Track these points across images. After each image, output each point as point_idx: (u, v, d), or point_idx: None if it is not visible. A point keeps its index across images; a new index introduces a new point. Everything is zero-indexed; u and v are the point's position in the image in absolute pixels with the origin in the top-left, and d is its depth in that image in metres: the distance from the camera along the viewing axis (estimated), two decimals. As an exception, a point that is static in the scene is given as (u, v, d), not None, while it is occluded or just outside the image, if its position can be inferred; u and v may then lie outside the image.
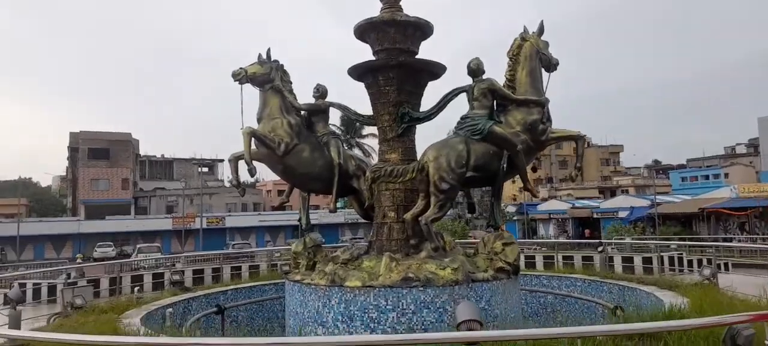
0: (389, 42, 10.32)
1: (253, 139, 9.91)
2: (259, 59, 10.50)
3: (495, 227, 9.78)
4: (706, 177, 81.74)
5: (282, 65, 10.73)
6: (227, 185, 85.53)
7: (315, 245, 10.67)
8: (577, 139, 9.66)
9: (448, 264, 8.76)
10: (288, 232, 61.79)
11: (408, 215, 9.45)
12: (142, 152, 76.29)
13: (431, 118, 10.13)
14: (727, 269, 20.59)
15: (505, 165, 9.40)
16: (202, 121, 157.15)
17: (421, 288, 8.38)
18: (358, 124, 52.91)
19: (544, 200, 65.07)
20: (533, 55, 9.71)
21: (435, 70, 10.29)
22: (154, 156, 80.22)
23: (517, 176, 9.71)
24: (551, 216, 58.39)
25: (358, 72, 10.45)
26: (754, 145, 79.69)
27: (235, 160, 10.18)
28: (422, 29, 10.41)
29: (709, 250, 22.71)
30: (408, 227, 9.48)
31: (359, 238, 50.10)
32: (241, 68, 10.34)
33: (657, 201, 43.53)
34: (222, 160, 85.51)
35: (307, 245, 10.54)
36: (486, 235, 9.63)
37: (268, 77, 10.41)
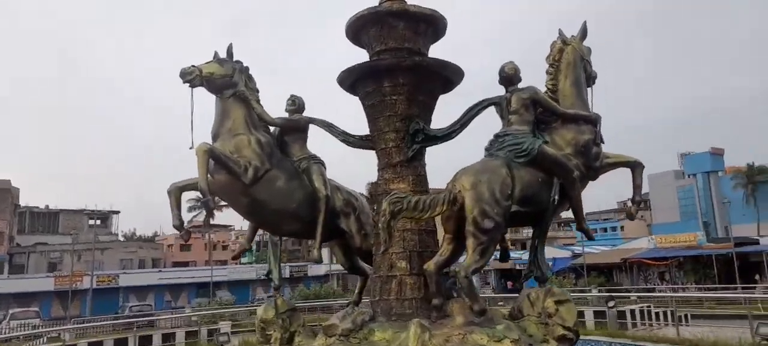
0: (396, 40, 7.91)
1: (210, 159, 7.01)
2: (215, 57, 7.72)
3: (541, 279, 7.43)
4: (605, 230, 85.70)
5: (247, 67, 8.00)
6: (121, 239, 77.56)
7: (289, 309, 7.74)
8: (635, 166, 7.67)
9: (502, 334, 6.25)
10: (192, 291, 56.02)
11: (430, 265, 6.89)
12: (22, 202, 67.20)
13: (452, 137, 7.76)
14: (686, 320, 19.96)
15: (557, 197, 7.19)
16: (103, 166, 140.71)
17: (476, 371, 5.78)
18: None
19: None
20: (577, 63, 7.75)
21: (453, 77, 7.97)
22: (37, 207, 71.05)
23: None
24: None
25: (354, 76, 7.92)
26: (644, 200, 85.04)
27: (177, 191, 7.23)
28: (436, 26, 8.13)
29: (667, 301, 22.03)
30: (431, 282, 6.91)
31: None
32: (193, 66, 7.52)
33: (581, 252, 43.65)
34: (117, 212, 77.82)
35: (279, 309, 7.58)
36: (532, 291, 7.22)
37: (229, 80, 7.65)
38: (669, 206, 64.96)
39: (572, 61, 7.70)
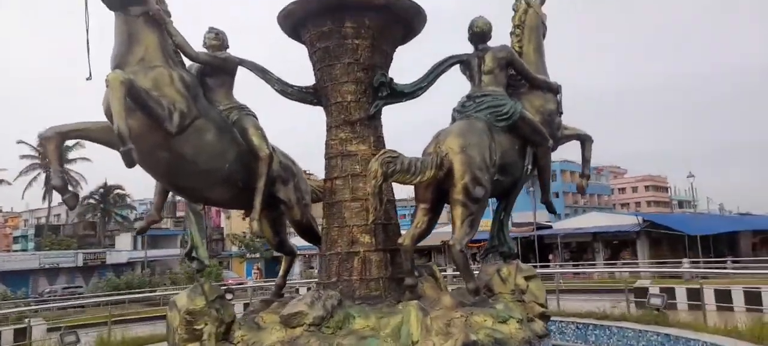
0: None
1: (126, 94, 5.11)
2: None
3: (508, 254, 6.92)
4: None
5: None
6: None
7: (219, 296, 6.09)
8: (586, 139, 7.59)
9: (506, 314, 5.55)
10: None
11: (406, 239, 5.94)
12: None
13: (418, 95, 6.84)
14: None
15: (529, 166, 6.75)
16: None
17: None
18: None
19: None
20: (539, 27, 7.40)
21: (417, 25, 6.98)
22: None
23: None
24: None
25: (306, 13, 6.50)
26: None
27: (58, 139, 5.32)
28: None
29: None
30: (406, 259, 5.95)
31: (76, 286, 39.29)
32: None
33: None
34: None
35: (209, 296, 5.90)
36: (503, 267, 6.65)
37: None
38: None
39: (535, 25, 7.31)
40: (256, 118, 6.58)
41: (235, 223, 49.37)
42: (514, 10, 7.36)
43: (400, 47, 7.22)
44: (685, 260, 26.25)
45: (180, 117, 5.55)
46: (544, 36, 7.55)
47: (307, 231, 6.96)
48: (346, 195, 6.42)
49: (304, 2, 6.44)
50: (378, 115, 6.77)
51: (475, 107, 6.47)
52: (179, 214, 52.58)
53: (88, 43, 5.64)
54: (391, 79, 6.63)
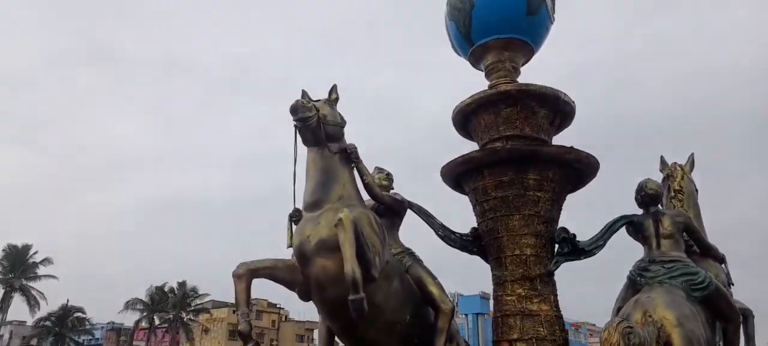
0: (515, 127, 6.53)
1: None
2: (305, 97, 5.45)
3: None
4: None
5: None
6: None
7: None
8: (748, 315, 7.18)
9: None
10: None
11: None
12: None
13: (594, 254, 6.44)
14: None
15: (721, 343, 6.27)
16: None
17: None
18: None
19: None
20: (694, 194, 7.30)
21: (588, 176, 6.77)
22: None
23: None
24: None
25: (485, 162, 6.26)
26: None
27: (249, 276, 4.77)
28: (564, 115, 6.93)
29: None
30: None
31: None
32: (310, 102, 5.20)
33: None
34: None
35: None
36: None
37: (340, 131, 5.50)
38: (446, 343, 68.90)
39: (692, 192, 7.22)
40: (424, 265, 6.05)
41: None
42: (669, 174, 7.26)
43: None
44: None
45: (380, 262, 5.05)
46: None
47: None
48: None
49: (489, 152, 6.24)
50: (553, 273, 6.31)
51: (667, 273, 6.06)
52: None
53: (294, 175, 5.32)
54: (574, 236, 6.26)
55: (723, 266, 6.93)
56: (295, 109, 5.20)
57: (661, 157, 7.55)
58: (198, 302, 53.04)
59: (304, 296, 5.48)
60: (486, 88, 6.97)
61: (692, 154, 7.67)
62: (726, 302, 6.14)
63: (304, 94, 5.47)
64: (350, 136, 5.55)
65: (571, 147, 6.25)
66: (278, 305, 77.17)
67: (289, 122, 5.26)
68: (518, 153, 6.19)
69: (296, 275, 5.21)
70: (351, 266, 4.51)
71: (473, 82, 7.38)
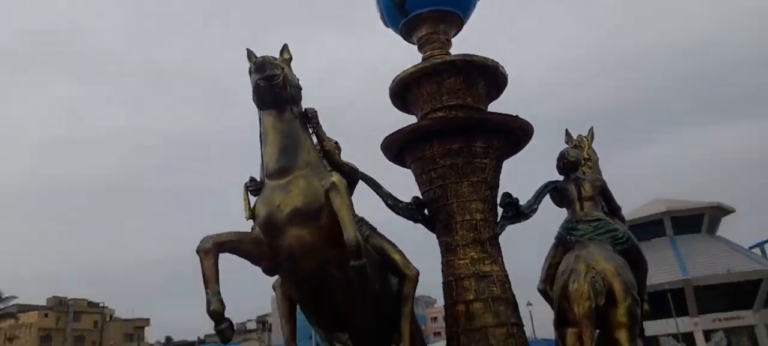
0: (458, 97, 6.70)
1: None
2: (251, 57, 5.07)
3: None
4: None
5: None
6: None
7: None
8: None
9: None
10: None
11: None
12: None
13: (531, 216, 6.86)
14: None
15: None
16: None
17: None
18: None
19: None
20: (597, 162, 8.13)
21: (524, 143, 7.14)
22: None
23: None
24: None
25: (435, 131, 6.30)
26: (262, 322, 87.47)
27: (215, 250, 4.51)
28: (499, 86, 7.22)
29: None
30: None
31: None
32: (274, 60, 4.91)
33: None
34: None
35: None
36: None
37: (300, 93, 5.21)
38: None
39: (597, 160, 8.00)
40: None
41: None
42: (577, 145, 7.93)
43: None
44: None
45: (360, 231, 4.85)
46: None
47: None
48: (489, 320, 5.96)
49: (439, 120, 6.25)
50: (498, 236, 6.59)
51: (594, 231, 6.65)
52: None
53: (261, 138, 4.90)
54: (517, 200, 6.60)
55: (625, 223, 7.85)
56: (262, 66, 4.74)
57: (566, 130, 8.23)
58: (1, 306, 46.68)
59: (271, 271, 5.08)
60: (420, 60, 7.00)
61: (592, 128, 8.50)
62: (638, 253, 6.94)
63: (251, 54, 5.00)
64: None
65: (517, 116, 6.56)
66: (101, 304, 69.89)
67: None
68: (469, 121, 6.33)
69: (262, 248, 4.82)
70: (353, 231, 4.27)
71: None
